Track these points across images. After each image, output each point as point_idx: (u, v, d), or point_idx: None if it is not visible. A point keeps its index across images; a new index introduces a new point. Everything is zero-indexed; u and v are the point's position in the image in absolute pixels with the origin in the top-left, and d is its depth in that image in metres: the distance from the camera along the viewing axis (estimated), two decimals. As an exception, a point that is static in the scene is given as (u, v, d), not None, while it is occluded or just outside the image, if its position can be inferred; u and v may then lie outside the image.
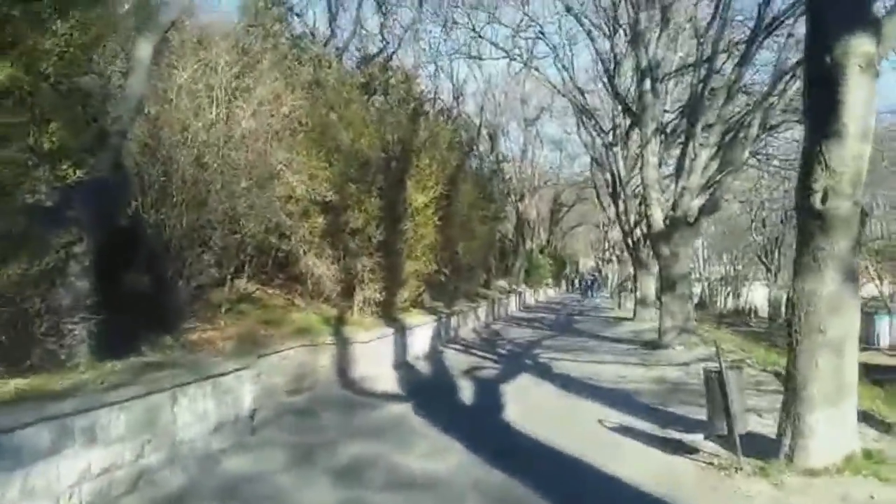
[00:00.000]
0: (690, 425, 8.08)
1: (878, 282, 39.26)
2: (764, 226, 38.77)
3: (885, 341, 38.77)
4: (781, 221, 35.90)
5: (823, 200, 5.84)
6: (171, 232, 9.30)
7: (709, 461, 6.54)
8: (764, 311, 54.06)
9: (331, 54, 16.45)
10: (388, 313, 14.24)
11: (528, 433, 7.91)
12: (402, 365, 13.40)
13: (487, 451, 7.10)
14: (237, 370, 8.31)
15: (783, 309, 39.77)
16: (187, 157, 9.76)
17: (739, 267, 54.84)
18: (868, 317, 42.57)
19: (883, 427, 7.13)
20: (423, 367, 13.65)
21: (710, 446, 6.96)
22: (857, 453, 5.96)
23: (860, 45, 5.61)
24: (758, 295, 55.93)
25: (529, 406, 9.67)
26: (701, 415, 8.61)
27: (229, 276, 11.71)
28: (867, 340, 40.87)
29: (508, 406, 9.64)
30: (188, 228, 9.52)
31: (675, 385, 11.28)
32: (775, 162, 26.53)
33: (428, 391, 11.33)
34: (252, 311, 11.81)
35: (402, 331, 14.06)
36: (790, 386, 6.15)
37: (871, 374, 24.45)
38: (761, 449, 6.36)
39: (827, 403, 5.87)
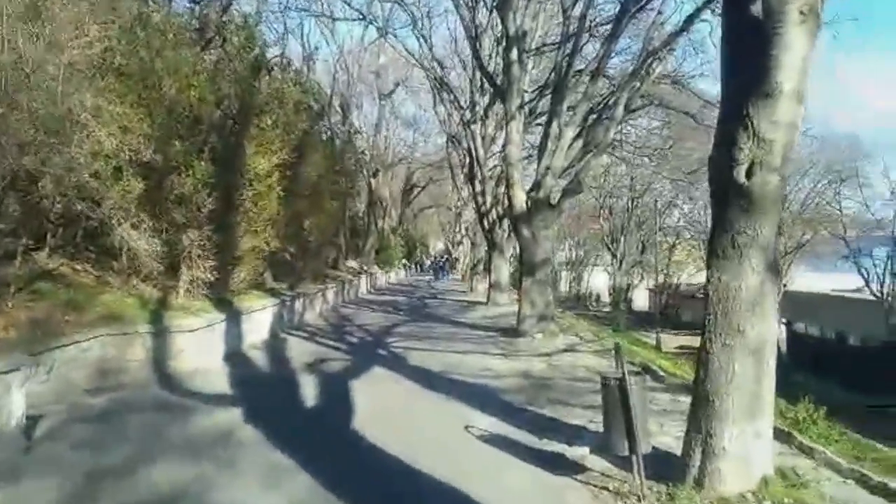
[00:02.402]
0: (568, 433, 7.11)
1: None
2: (611, 213, 39.81)
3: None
4: (627, 209, 36.94)
5: (749, 174, 4.85)
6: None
7: (602, 484, 5.45)
8: (604, 295, 56.42)
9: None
10: (220, 296, 12.44)
11: (385, 447, 6.51)
12: (236, 356, 11.61)
13: (333, 474, 5.69)
14: (2, 372, 6.40)
15: (624, 294, 41.39)
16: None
17: (581, 252, 56.64)
18: (701, 303, 45.50)
19: (782, 436, 6.38)
20: (261, 358, 11.90)
21: (598, 463, 5.92)
22: (772, 475, 5.08)
23: (802, -13, 4.65)
24: (598, 280, 58.21)
25: (385, 409, 8.33)
26: (575, 418, 7.82)
27: (22, 248, 9.57)
28: (699, 325, 43.71)
29: (360, 409, 8.21)
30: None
31: (542, 380, 10.32)
32: (627, 148, 26.76)
33: (264, 390, 9.68)
34: (53, 291, 9.77)
35: (236, 316, 12.30)
36: (700, 396, 5.16)
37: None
38: (662, 469, 5.35)
39: (743, 418, 4.94)
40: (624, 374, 5.07)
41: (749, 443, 4.95)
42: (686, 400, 8.68)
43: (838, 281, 34.17)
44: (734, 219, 4.96)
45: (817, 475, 5.42)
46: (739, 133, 4.87)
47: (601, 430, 6.42)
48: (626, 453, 5.15)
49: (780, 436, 6.28)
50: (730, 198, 5.00)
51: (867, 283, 30.30)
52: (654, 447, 5.63)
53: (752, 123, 4.80)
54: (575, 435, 7.00)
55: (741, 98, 4.94)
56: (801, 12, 4.61)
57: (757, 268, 4.91)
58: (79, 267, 11.47)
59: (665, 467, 5.40)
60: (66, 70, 9.22)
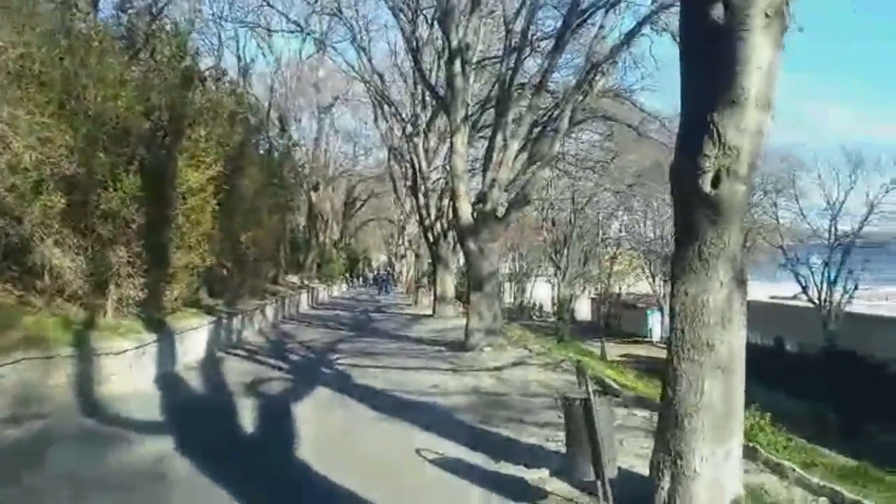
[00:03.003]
0: (525, 454, 6.78)
1: (651, 280, 42.34)
2: (553, 224, 40.03)
3: (657, 335, 42.08)
4: (570, 221, 37.19)
5: (715, 183, 4.64)
6: None
7: (567, 513, 5.15)
8: (547, 305, 56.87)
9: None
10: (152, 315, 11.71)
11: (330, 475, 6.06)
12: (169, 379, 10.93)
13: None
14: None
15: (567, 305, 41.74)
16: None
17: (524, 264, 56.96)
18: (641, 312, 46.48)
19: (747, 452, 6.17)
20: (196, 381, 11.24)
21: (560, 487, 5.62)
22: (742, 495, 4.86)
23: (766, -11, 4.48)
24: (541, 291, 58.68)
25: (330, 433, 7.88)
26: (531, 436, 7.53)
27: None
28: (639, 334, 44.67)
29: (304, 435, 7.71)
30: None
31: (493, 396, 10.02)
32: (569, 160, 26.88)
33: (199, 416, 9.06)
34: (-34, 313, 8.98)
35: (169, 335, 11.65)
36: (668, 416, 4.89)
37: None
38: (629, 493, 5.06)
39: (714, 438, 4.69)
40: (589, 394, 4.78)
41: (720, 464, 4.71)
42: (642, 414, 8.56)
43: (776, 289, 35.10)
44: (700, 230, 4.73)
45: (788, 494, 5.24)
46: (704, 141, 4.65)
47: (559, 449, 6.17)
48: (592, 478, 4.85)
49: (746, 452, 6.09)
50: (695, 208, 4.78)
51: (804, 291, 31.18)
52: (622, 468, 5.36)
53: (717, 131, 4.59)
54: (532, 455, 6.70)
55: (704, 105, 4.73)
56: (766, 14, 4.44)
57: (725, 280, 4.69)
58: (-2, 287, 10.69)
59: (632, 491, 5.12)
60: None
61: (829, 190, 32.79)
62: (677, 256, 4.97)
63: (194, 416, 9.01)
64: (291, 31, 26.33)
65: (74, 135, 9.88)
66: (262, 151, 21.90)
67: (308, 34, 26.43)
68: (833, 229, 31.88)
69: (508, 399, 9.79)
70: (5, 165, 8.97)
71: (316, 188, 35.75)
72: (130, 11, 14.36)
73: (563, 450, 5.50)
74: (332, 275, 41.00)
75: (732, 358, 4.76)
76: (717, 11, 4.69)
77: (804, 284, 31.12)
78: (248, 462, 6.82)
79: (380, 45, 49.53)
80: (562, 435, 5.60)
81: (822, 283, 30.40)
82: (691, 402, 4.73)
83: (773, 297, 33.57)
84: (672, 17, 15.23)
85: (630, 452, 6.50)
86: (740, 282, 4.82)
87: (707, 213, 4.70)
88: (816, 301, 30.06)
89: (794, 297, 32.89)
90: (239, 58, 29.88)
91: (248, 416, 8.79)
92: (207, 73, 16.69)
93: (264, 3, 23.58)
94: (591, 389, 4.82)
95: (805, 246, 33.31)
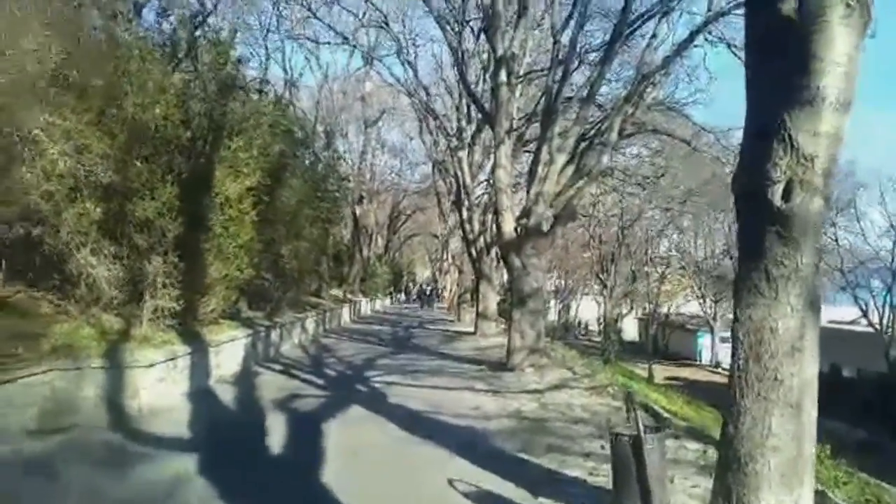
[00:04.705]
0: (566, 489, 6.25)
1: (701, 300, 41.08)
2: (600, 242, 39.18)
3: (706, 358, 40.79)
4: (618, 239, 36.29)
5: (786, 196, 4.11)
6: None
7: (611, 561, 4.62)
8: (593, 324, 55.89)
9: (127, 7, 13.28)
10: (187, 326, 11.51)
11: (357, 507, 5.66)
12: (202, 393, 10.69)
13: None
14: None
15: (617, 325, 40.81)
16: None
17: (570, 281, 56.05)
18: (690, 334, 45.15)
19: (815, 496, 5.57)
20: (228, 395, 10.96)
21: (605, 531, 5.10)
22: (814, 551, 4.29)
23: (845, -22, 3.96)
24: (587, 309, 57.70)
25: (360, 457, 7.45)
26: (574, 468, 6.98)
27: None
28: (688, 356, 43.37)
29: (332, 458, 7.31)
30: None
31: (534, 422, 9.46)
32: (617, 176, 26.22)
33: (227, 434, 8.75)
34: (1, 320, 8.88)
35: (203, 348, 11.43)
36: (729, 457, 4.34)
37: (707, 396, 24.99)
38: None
39: (781, 485, 4.13)
40: (639, 430, 4.27)
41: (787, 513, 4.14)
42: (694, 447, 7.93)
43: (835, 313, 33.61)
44: (768, 248, 4.19)
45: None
46: (773, 148, 4.13)
47: (604, 485, 5.67)
48: (641, 525, 4.34)
49: (816, 498, 5.47)
50: (762, 223, 4.25)
51: (865, 315, 29.72)
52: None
53: (788, 136, 4.07)
54: (575, 491, 6.16)
55: (773, 109, 4.21)
56: (848, 4, 3.92)
57: (796, 305, 4.14)
58: (38, 295, 10.64)
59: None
60: (15, 85, 8.49)
61: (892, 210, 31.44)
62: (741, 277, 4.43)
63: (222, 433, 8.72)
64: (338, 44, 26.41)
65: (111, 143, 9.78)
66: (307, 163, 21.79)
67: (355, 47, 26.46)
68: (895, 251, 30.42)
69: (550, 425, 9.23)
70: (40, 172, 8.92)
71: (360, 201, 35.69)
72: (172, 18, 14.28)
73: (608, 486, 5.01)
74: (375, 289, 40.86)
75: (803, 393, 4.19)
76: (789, 4, 4.19)
77: (864, 308, 29.64)
78: (273, 483, 6.46)
79: (426, 58, 49.73)
80: (606, 467, 5.10)
81: (883, 307, 28.93)
82: (756, 443, 4.18)
83: (831, 322, 32.14)
84: (727, 27, 14.70)
85: (682, 490, 5.93)
86: (814, 308, 4.26)
87: (776, 229, 4.16)
88: (878, 326, 28.55)
89: (853, 322, 31.38)
90: (285, 70, 30.11)
91: (277, 433, 8.43)
92: (250, 83, 16.60)
93: (311, 16, 23.61)
94: (641, 425, 4.31)
95: (865, 268, 31.83)
